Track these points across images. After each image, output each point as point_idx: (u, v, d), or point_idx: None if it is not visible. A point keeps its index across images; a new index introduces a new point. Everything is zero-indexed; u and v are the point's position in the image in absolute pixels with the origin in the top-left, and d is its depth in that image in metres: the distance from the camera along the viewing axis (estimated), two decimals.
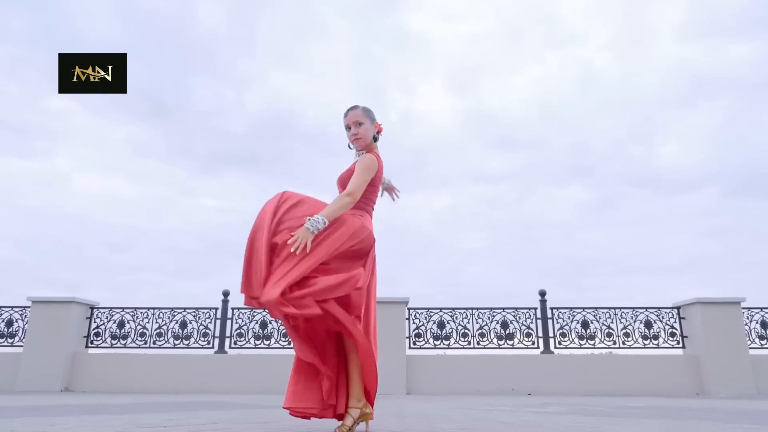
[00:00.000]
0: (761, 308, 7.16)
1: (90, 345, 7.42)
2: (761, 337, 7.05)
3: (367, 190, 2.50)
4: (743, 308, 7.01)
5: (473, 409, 4.02)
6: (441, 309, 7.38)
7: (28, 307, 7.37)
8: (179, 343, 7.36)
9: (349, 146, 2.68)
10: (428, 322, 7.32)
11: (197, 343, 7.37)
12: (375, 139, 2.67)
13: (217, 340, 7.33)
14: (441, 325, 7.30)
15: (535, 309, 7.32)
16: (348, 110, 2.64)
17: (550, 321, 7.24)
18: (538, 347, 7.18)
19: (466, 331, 7.26)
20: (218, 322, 7.43)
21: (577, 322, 7.24)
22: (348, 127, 2.61)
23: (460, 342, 7.21)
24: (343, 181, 2.52)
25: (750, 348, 6.86)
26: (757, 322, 7.11)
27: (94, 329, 7.49)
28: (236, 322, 7.39)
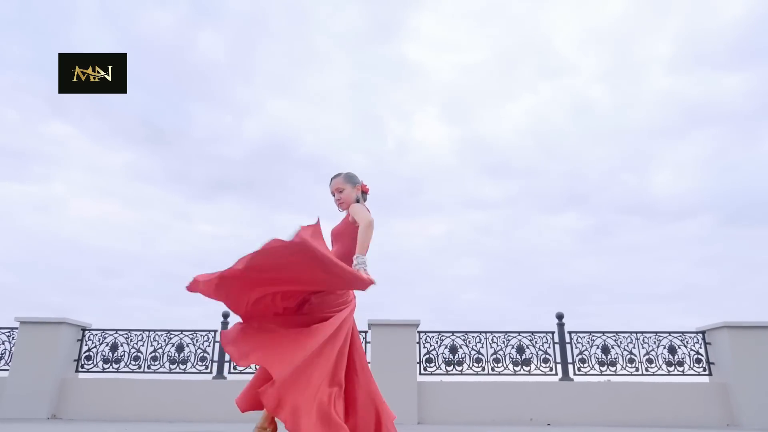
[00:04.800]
0: None
1: (80, 369, 6.97)
2: None
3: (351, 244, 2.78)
4: None
5: None
6: (453, 333, 6.99)
7: (16, 328, 6.95)
8: (175, 368, 6.92)
9: (338, 209, 3.04)
10: (440, 346, 6.92)
11: (194, 367, 6.93)
12: (364, 199, 3.01)
13: (215, 365, 6.90)
14: (453, 349, 6.90)
15: (553, 333, 6.93)
16: (331, 179, 2.99)
17: (568, 346, 6.86)
18: (556, 374, 6.78)
19: (480, 356, 6.86)
20: (217, 345, 7.01)
21: (597, 347, 6.85)
22: (333, 194, 2.98)
23: (473, 368, 6.80)
24: (336, 234, 2.86)
25: None
26: None
27: (85, 352, 7.05)
28: None
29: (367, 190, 3.05)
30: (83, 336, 7.11)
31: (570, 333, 6.91)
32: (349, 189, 2.94)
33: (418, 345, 6.84)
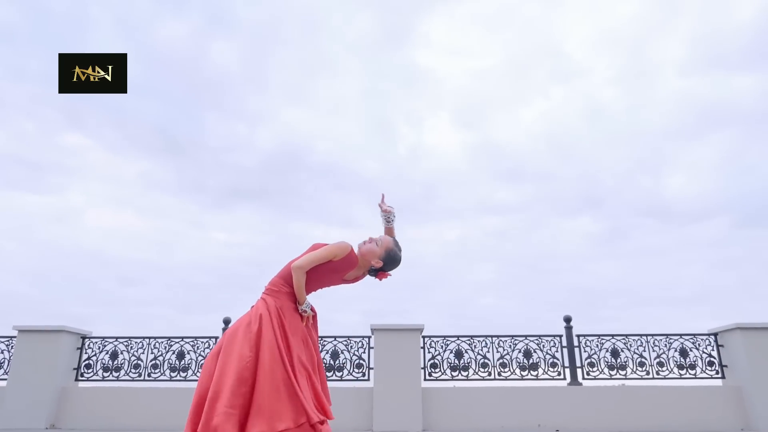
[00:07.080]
0: None
1: (80, 378, 6.88)
2: None
3: (319, 271, 2.57)
4: None
5: None
6: (458, 337, 6.85)
7: (15, 337, 6.87)
8: (176, 376, 6.82)
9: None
10: (444, 351, 6.77)
11: (195, 375, 6.82)
12: (372, 274, 2.77)
13: None
14: (458, 354, 6.75)
15: (560, 336, 6.77)
16: (386, 233, 2.85)
17: (576, 349, 6.69)
18: (564, 378, 6.61)
19: (486, 361, 6.71)
20: None
21: (606, 351, 6.68)
22: (370, 238, 2.79)
23: (479, 373, 6.65)
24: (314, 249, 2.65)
25: None
26: None
27: (84, 360, 6.96)
28: None
29: (385, 277, 2.80)
30: (83, 344, 7.02)
31: (578, 336, 6.74)
32: (375, 251, 2.69)
33: (422, 350, 6.69)
